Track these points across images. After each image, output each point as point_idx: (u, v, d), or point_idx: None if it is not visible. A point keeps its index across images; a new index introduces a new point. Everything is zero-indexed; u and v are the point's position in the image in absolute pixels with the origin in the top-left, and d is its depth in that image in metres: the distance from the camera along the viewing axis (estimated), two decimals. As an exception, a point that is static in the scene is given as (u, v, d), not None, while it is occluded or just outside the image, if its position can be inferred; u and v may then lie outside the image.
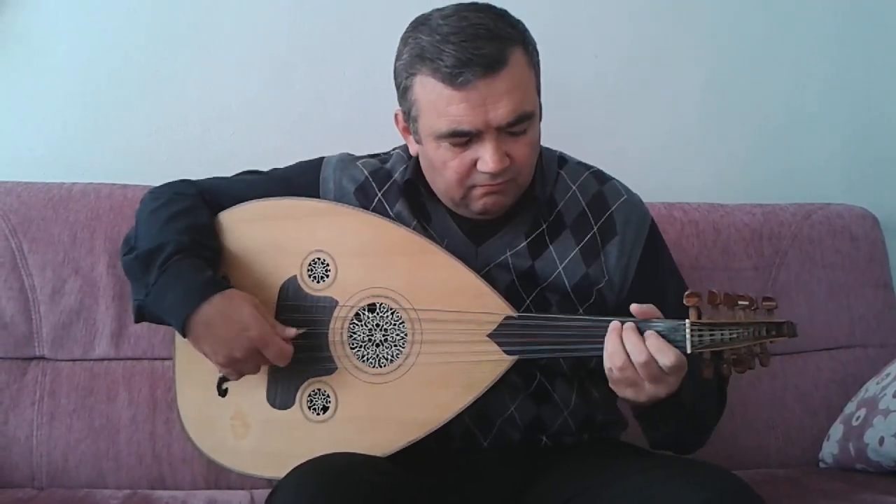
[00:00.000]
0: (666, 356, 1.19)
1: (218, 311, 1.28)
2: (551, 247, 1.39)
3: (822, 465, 1.82)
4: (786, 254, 1.94)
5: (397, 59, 1.33)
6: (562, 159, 1.47)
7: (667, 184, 2.04)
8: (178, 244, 1.33)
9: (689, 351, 1.20)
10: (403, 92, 1.32)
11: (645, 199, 1.50)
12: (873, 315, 1.95)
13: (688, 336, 1.20)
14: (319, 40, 1.98)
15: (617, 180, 1.47)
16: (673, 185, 2.05)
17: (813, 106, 2.15)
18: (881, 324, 1.95)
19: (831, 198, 2.06)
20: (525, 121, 1.29)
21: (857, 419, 1.72)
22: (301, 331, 1.34)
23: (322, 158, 1.49)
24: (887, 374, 1.76)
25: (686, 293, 1.22)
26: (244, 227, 1.41)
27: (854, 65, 2.16)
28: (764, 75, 2.12)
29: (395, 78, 1.34)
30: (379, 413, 1.32)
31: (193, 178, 1.51)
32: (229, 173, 1.54)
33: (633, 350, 1.21)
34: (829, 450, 1.79)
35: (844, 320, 1.94)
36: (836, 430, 1.78)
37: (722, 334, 1.20)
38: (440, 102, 1.26)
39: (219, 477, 1.68)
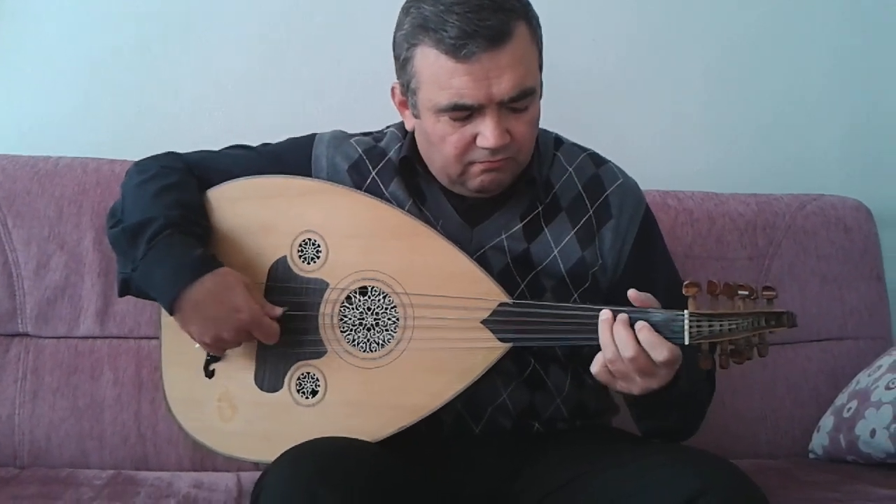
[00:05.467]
0: (659, 351, 1.17)
1: (208, 290, 1.26)
2: (546, 230, 1.37)
3: (811, 456, 1.82)
4: (779, 244, 1.93)
5: (397, 29, 1.30)
6: (558, 140, 1.45)
7: (662, 171, 2.02)
8: (167, 219, 1.30)
9: (686, 342, 1.18)
10: (403, 64, 1.29)
11: (640, 186, 1.47)
12: (865, 307, 1.95)
13: (686, 327, 1.17)
14: (315, 19, 1.95)
15: (613, 163, 1.45)
16: (668, 172, 2.03)
17: (811, 98, 2.14)
18: (873, 316, 1.95)
19: (826, 189, 2.05)
20: (527, 96, 1.26)
21: (849, 411, 1.72)
22: (286, 309, 1.31)
23: (314, 135, 1.46)
24: (879, 367, 1.76)
25: (685, 283, 1.19)
26: (233, 205, 1.38)
27: (853, 58, 2.15)
28: (763, 66, 2.11)
29: (395, 49, 1.31)
30: (369, 398, 1.30)
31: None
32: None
33: (623, 344, 1.18)
34: (820, 441, 1.78)
35: (837, 312, 1.93)
36: (827, 421, 1.78)
37: (721, 325, 1.18)
38: (442, 75, 1.23)
39: (204, 458, 1.66)
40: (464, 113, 1.25)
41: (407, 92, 1.31)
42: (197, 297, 1.26)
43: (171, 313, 1.29)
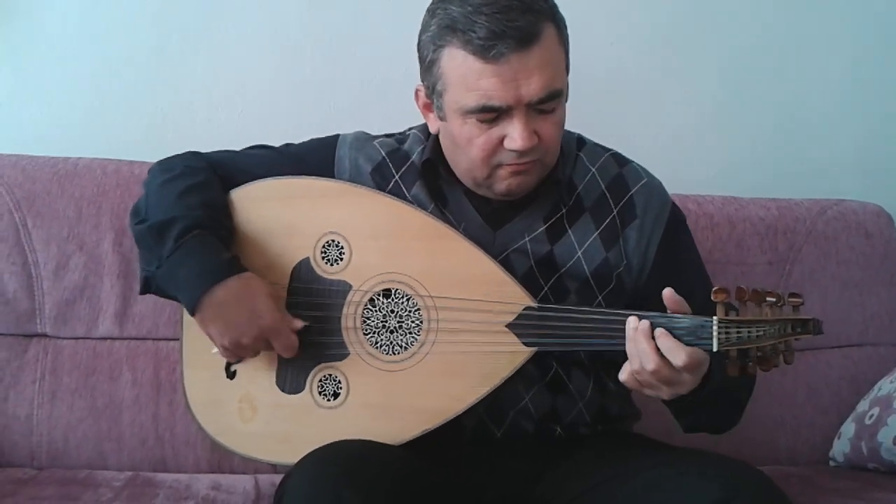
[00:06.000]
0: (676, 355, 1.15)
1: (233, 294, 1.26)
2: (570, 231, 1.36)
3: (832, 463, 1.81)
4: (800, 249, 1.92)
5: (423, 30, 1.29)
6: (580, 141, 1.44)
7: (681, 175, 1.99)
8: (194, 219, 1.30)
9: (715, 349, 1.16)
10: (429, 66, 1.28)
11: (661, 189, 1.47)
12: (886, 313, 1.93)
13: (715, 333, 1.16)
14: (330, 22, 1.94)
15: (636, 163, 1.44)
16: (687, 176, 2.02)
17: (830, 102, 2.13)
18: (894, 322, 1.93)
19: (846, 194, 2.04)
20: (555, 98, 1.25)
21: (871, 418, 1.70)
22: (307, 324, 1.31)
23: (337, 136, 1.45)
24: (900, 373, 1.75)
25: (714, 289, 1.17)
26: (257, 206, 1.38)
27: (871, 62, 2.14)
28: (781, 70, 2.10)
29: (420, 50, 1.30)
30: (391, 401, 1.30)
31: (200, 155, 1.48)
32: (237, 151, 1.51)
33: (644, 357, 1.17)
34: (841, 448, 1.77)
35: (857, 318, 1.92)
36: (848, 428, 1.76)
37: (749, 332, 1.16)
38: (470, 76, 1.22)
39: (222, 460, 1.65)
40: (491, 115, 1.24)
41: (432, 94, 1.30)
42: (220, 299, 1.26)
43: (193, 314, 1.28)
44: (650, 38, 2.05)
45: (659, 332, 1.17)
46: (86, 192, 1.70)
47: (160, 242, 1.29)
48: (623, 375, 1.20)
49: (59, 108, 1.87)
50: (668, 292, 1.19)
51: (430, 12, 1.28)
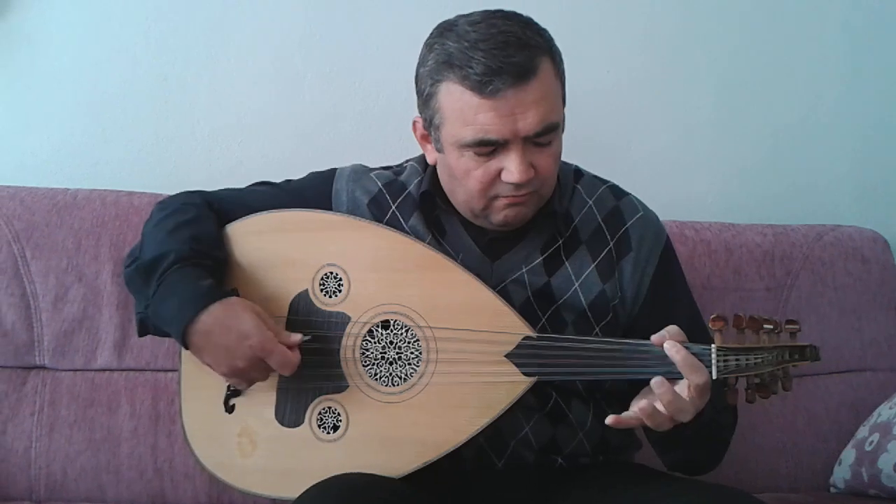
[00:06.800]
0: (699, 375, 1.17)
1: (217, 321, 1.25)
2: (567, 263, 1.37)
3: (833, 489, 1.80)
4: (797, 275, 1.92)
5: (420, 64, 1.30)
6: (577, 173, 1.45)
7: (677, 201, 2.02)
8: (178, 253, 1.29)
9: (714, 377, 1.17)
10: (427, 99, 1.29)
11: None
12: (884, 338, 1.93)
13: (713, 361, 1.17)
14: (331, 50, 1.96)
15: (633, 196, 1.45)
16: (683, 202, 2.04)
17: (825, 127, 2.13)
18: (892, 347, 1.93)
19: (842, 219, 2.05)
20: (551, 132, 1.27)
21: (871, 444, 1.70)
22: (307, 337, 1.30)
23: (335, 170, 1.46)
24: (899, 399, 1.75)
25: (712, 316, 1.19)
26: (254, 239, 1.38)
27: (866, 86, 2.14)
28: (775, 95, 2.11)
29: (418, 84, 1.31)
30: (391, 433, 1.29)
31: (200, 186, 1.49)
32: (237, 183, 1.51)
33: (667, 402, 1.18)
34: (841, 475, 1.76)
35: (855, 343, 1.91)
36: (848, 454, 1.76)
37: (747, 359, 1.17)
38: (467, 111, 1.24)
39: (221, 494, 1.65)
40: (488, 148, 1.25)
41: (430, 127, 1.31)
42: (206, 328, 1.25)
43: (186, 347, 1.28)
44: (645, 66, 2.06)
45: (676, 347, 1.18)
46: (85, 223, 1.71)
47: (147, 283, 1.29)
48: (636, 409, 1.20)
49: (58, 139, 1.88)
50: (655, 338, 1.21)
51: (428, 46, 1.29)
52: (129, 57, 1.90)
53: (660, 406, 1.18)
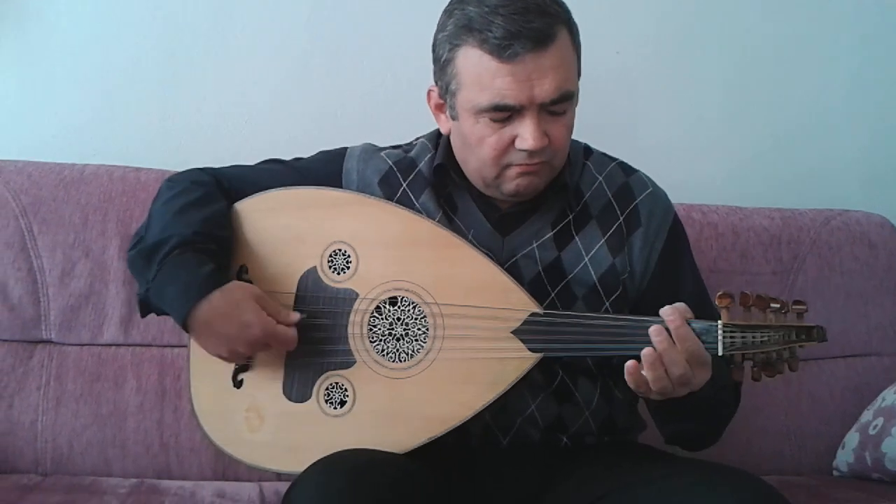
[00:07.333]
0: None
1: (218, 310, 1.24)
2: (577, 238, 1.37)
3: (836, 473, 1.80)
4: (804, 259, 1.92)
5: (439, 30, 1.30)
6: (587, 150, 1.45)
7: (685, 183, 2.01)
8: (180, 237, 1.28)
9: (720, 353, 1.18)
10: (444, 65, 1.29)
11: (666, 197, 1.47)
12: (890, 323, 1.93)
13: (720, 337, 1.17)
14: (338, 30, 1.95)
15: (643, 172, 1.46)
16: (691, 185, 2.03)
17: (834, 111, 2.13)
18: (898, 332, 1.93)
19: (849, 204, 2.05)
20: (567, 100, 1.27)
21: (875, 428, 1.70)
22: (303, 315, 1.31)
23: (345, 149, 1.46)
24: (904, 384, 1.75)
25: (719, 293, 1.19)
26: (263, 216, 1.38)
27: (876, 72, 2.14)
28: (786, 79, 2.11)
29: (435, 50, 1.31)
30: (398, 409, 1.29)
31: (207, 163, 1.48)
32: (243, 161, 1.51)
33: (671, 362, 1.17)
34: (844, 458, 1.77)
35: (861, 328, 1.92)
36: (852, 438, 1.76)
37: (754, 337, 1.18)
38: (485, 75, 1.24)
39: (227, 468, 1.66)
40: (504, 114, 1.25)
41: (446, 94, 1.31)
42: (207, 316, 1.25)
43: (186, 331, 1.29)
44: (655, 47, 2.06)
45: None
46: (92, 198, 1.71)
47: (147, 266, 1.29)
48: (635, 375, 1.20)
49: (66, 114, 1.88)
50: (677, 305, 1.21)
51: (448, 12, 1.29)
52: (137, 33, 1.89)
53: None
